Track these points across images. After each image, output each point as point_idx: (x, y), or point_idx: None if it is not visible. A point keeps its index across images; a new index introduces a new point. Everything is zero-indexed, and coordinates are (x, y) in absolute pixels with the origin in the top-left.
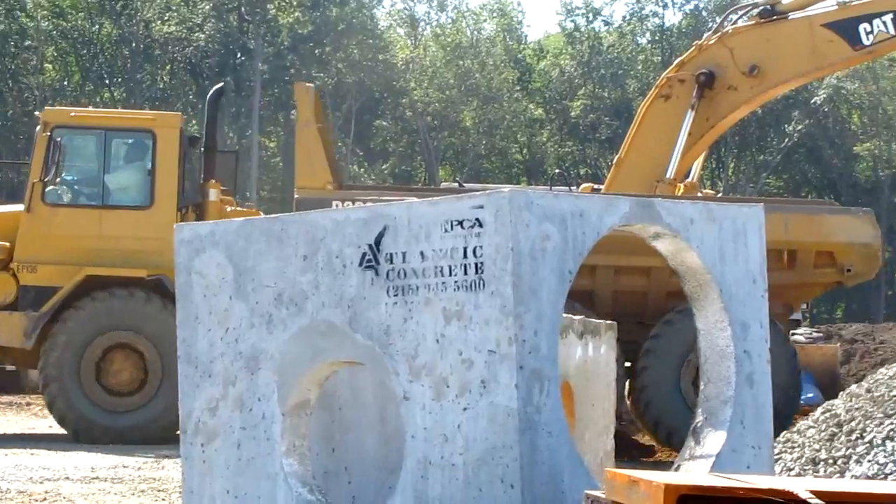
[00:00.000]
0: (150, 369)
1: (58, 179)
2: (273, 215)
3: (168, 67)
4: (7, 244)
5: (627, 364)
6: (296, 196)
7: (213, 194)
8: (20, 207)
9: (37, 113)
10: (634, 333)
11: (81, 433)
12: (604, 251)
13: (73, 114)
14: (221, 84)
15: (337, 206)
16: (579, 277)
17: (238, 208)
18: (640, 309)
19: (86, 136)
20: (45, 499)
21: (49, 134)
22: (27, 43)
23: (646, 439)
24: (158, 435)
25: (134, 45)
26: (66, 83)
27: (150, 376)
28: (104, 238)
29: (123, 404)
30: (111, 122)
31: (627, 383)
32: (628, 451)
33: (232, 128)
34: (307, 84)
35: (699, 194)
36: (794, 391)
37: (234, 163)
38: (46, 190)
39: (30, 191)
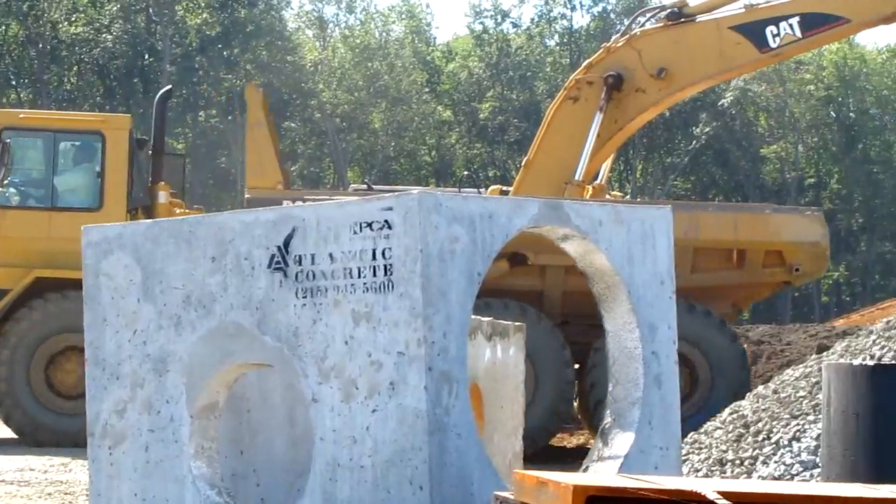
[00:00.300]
0: None
1: (6, 182)
2: (180, 217)
3: (75, 68)
4: None
5: (577, 366)
6: (247, 196)
7: (163, 196)
8: None
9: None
10: (584, 335)
11: (27, 434)
12: (553, 251)
13: (21, 115)
14: (169, 87)
15: (287, 205)
16: (529, 278)
17: (187, 210)
18: (590, 309)
19: (35, 138)
20: None
21: None
22: None
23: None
24: None
25: (41, 45)
26: None
27: None
28: (53, 240)
29: (71, 407)
30: (60, 124)
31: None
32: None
33: (139, 129)
34: (257, 84)
35: (607, 196)
36: (744, 389)
37: (183, 166)
38: None
39: None
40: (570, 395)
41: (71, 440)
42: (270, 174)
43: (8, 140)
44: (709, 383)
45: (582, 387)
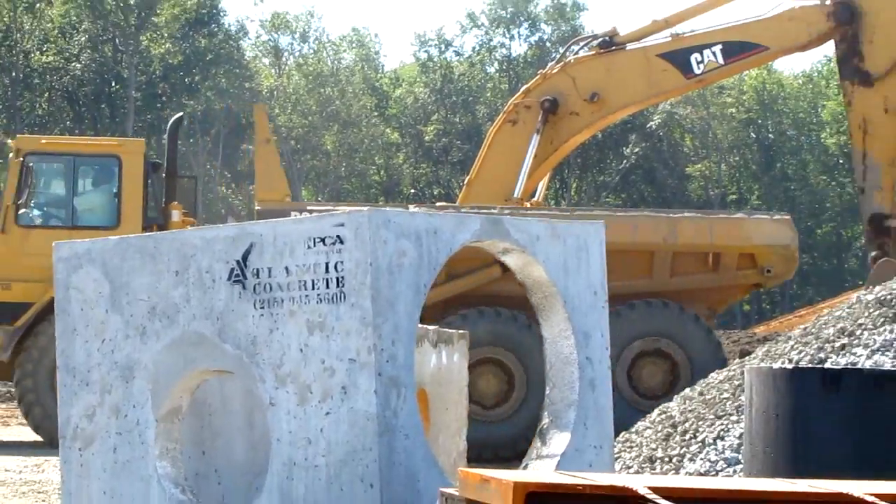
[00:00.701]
0: None
1: (30, 203)
2: (145, 234)
3: (47, 95)
4: None
5: None
6: (257, 207)
7: (176, 215)
8: None
9: (9, 140)
10: None
11: (56, 441)
12: None
13: (43, 141)
14: (181, 114)
15: (295, 216)
16: (517, 284)
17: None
18: None
19: (56, 162)
20: None
21: (22, 160)
22: None
23: None
24: None
25: (14, 73)
26: None
27: None
28: None
29: None
30: (80, 149)
31: None
32: None
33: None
34: (264, 105)
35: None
36: None
37: (194, 186)
38: (19, 213)
39: (4, 213)
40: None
41: None
42: (279, 187)
43: (31, 164)
44: (688, 375)
45: None
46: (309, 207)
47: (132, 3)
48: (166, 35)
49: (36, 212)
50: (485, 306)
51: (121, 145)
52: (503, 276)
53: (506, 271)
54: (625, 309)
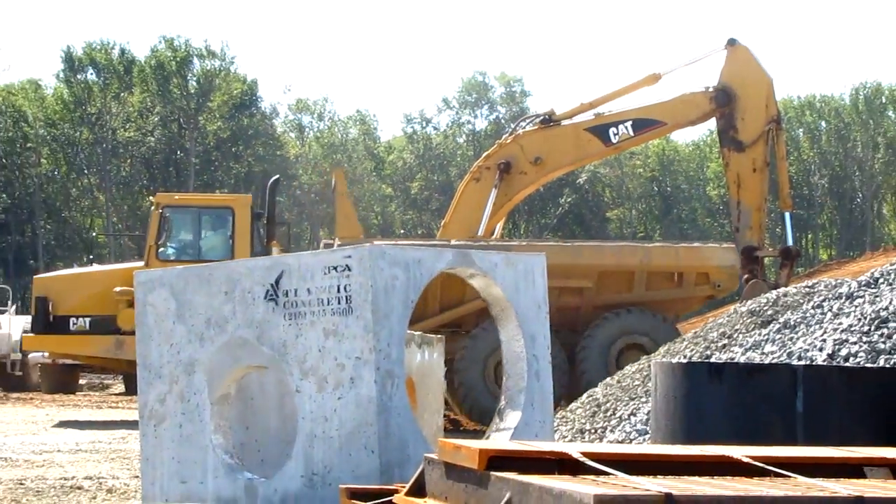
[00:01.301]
0: None
1: (167, 243)
2: (203, 264)
3: (129, 160)
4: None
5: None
6: (338, 243)
7: (275, 251)
8: (140, 263)
9: (150, 198)
10: (571, 340)
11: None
12: (549, 275)
13: (177, 197)
14: (277, 177)
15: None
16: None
17: None
18: (573, 322)
19: (186, 213)
20: (42, 465)
21: (160, 211)
22: (28, 145)
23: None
24: None
25: (104, 145)
26: (56, 173)
27: None
28: None
29: None
30: (203, 203)
31: None
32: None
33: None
34: (342, 168)
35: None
36: None
37: (287, 230)
38: (159, 251)
39: (147, 251)
40: (565, 382)
41: None
42: (354, 228)
43: (167, 214)
44: None
45: (573, 375)
46: (375, 242)
47: (192, 92)
48: (218, 115)
49: (171, 250)
50: None
51: (234, 200)
52: None
53: None
54: (612, 315)
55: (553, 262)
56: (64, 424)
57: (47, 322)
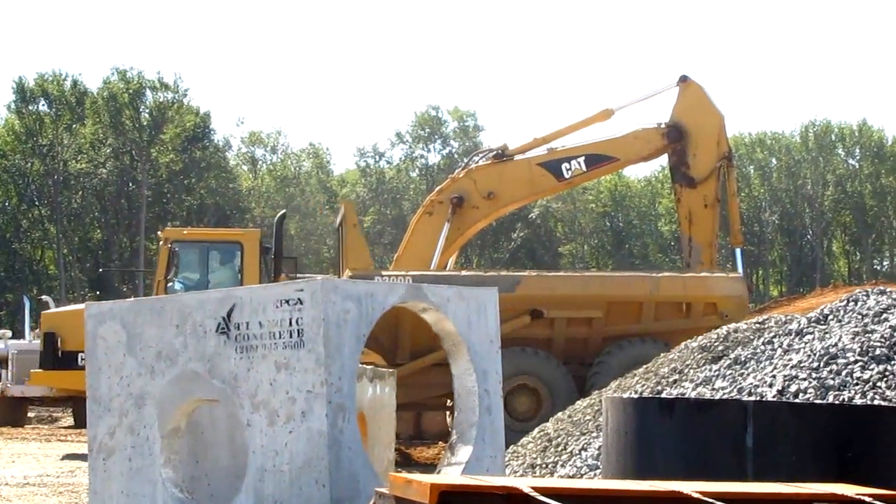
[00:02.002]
0: None
1: (175, 278)
2: (154, 297)
3: (80, 192)
4: None
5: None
6: (349, 274)
7: None
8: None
9: (159, 232)
10: (581, 369)
11: None
12: (561, 307)
13: (185, 232)
14: (283, 212)
15: (378, 280)
16: (543, 329)
17: None
18: (583, 352)
19: (194, 247)
20: None
21: (169, 246)
22: None
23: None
24: None
25: (56, 177)
26: (6, 204)
27: None
28: None
29: None
30: (211, 237)
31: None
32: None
33: (126, 234)
34: (352, 201)
35: None
36: None
37: (295, 264)
38: (168, 285)
39: (156, 286)
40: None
41: None
42: (365, 259)
43: (176, 249)
44: None
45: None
46: (383, 273)
47: (145, 124)
48: (170, 148)
49: (179, 285)
50: (518, 346)
51: (242, 234)
52: (532, 324)
53: (533, 319)
54: (622, 345)
55: (563, 292)
56: (12, 457)
57: (56, 358)
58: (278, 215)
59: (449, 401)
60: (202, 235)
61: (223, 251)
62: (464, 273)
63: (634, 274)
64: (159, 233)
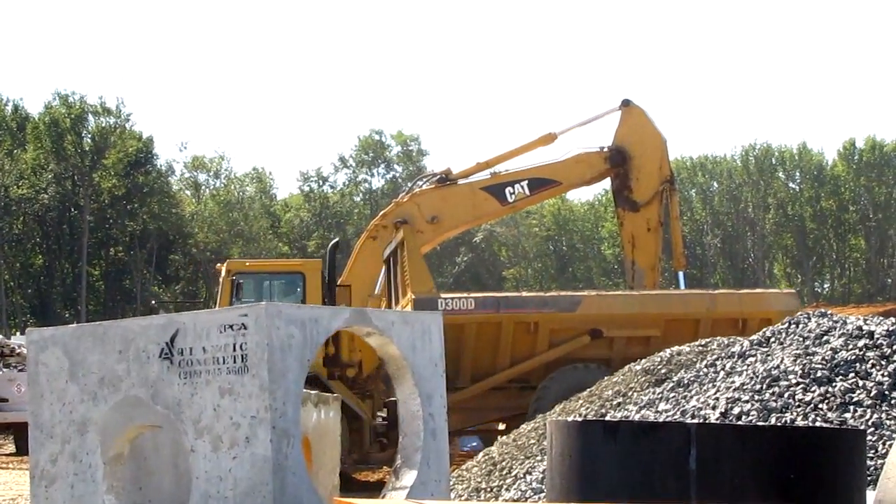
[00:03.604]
0: None
1: None
2: (96, 323)
3: (21, 218)
4: None
5: None
6: (413, 297)
7: None
8: None
9: (218, 265)
10: None
11: None
12: (620, 327)
13: (248, 263)
14: (337, 240)
15: (440, 302)
16: (602, 348)
17: None
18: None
19: (257, 279)
20: None
21: (232, 279)
22: None
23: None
24: None
25: None
26: None
27: None
28: None
29: None
30: (274, 268)
31: None
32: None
33: (68, 260)
34: (409, 226)
35: (398, 307)
36: None
37: (349, 291)
38: None
39: None
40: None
41: None
42: (427, 283)
43: (239, 281)
44: None
45: None
46: (442, 295)
47: (87, 149)
48: (113, 173)
49: None
50: (576, 363)
51: (304, 265)
52: (591, 343)
53: (593, 339)
54: None
55: (620, 311)
56: None
57: None
58: (331, 243)
59: (503, 424)
60: (264, 267)
61: (286, 282)
62: (525, 294)
63: (692, 292)
64: (219, 265)
